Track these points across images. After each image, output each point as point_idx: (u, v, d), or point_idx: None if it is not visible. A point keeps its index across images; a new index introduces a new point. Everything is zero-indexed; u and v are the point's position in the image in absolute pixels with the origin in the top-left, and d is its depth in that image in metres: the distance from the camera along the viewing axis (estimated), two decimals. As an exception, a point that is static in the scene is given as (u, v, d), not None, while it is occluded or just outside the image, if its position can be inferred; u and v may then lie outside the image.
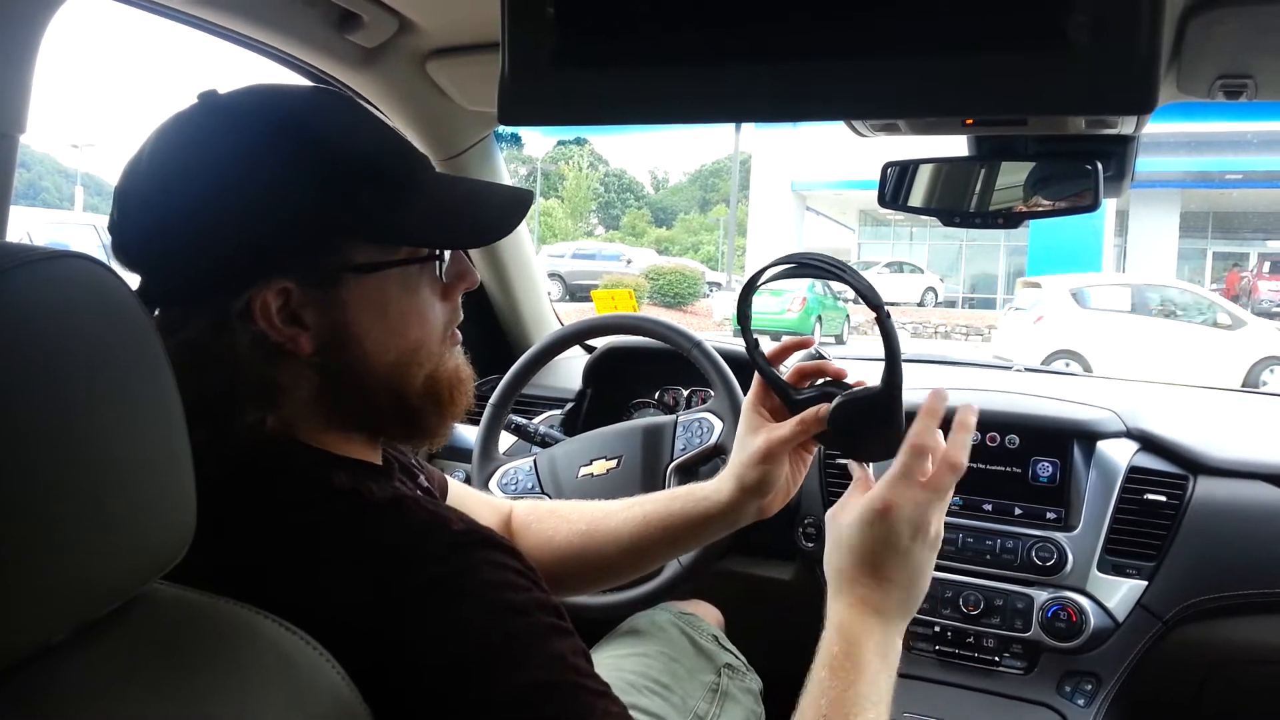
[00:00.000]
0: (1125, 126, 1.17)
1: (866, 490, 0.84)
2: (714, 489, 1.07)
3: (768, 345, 1.01)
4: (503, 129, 1.78)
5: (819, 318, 16.81)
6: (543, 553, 1.14)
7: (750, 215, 26.24)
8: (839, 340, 17.12)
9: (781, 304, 16.41)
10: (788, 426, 0.98)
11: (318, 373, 0.74)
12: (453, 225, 0.79)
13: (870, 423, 0.87)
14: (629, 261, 22.12)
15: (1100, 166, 1.22)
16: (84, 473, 0.50)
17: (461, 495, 1.14)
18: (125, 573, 0.54)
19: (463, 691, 0.63)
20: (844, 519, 0.84)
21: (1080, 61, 0.46)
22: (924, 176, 1.35)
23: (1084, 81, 0.46)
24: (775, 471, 1.02)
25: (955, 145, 1.34)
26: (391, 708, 0.63)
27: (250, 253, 0.70)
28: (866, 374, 1.81)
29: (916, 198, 1.35)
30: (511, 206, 0.84)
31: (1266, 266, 21.23)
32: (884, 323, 0.86)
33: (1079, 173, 1.24)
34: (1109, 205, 19.87)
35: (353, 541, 0.68)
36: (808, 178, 23.85)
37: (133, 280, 0.73)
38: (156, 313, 0.73)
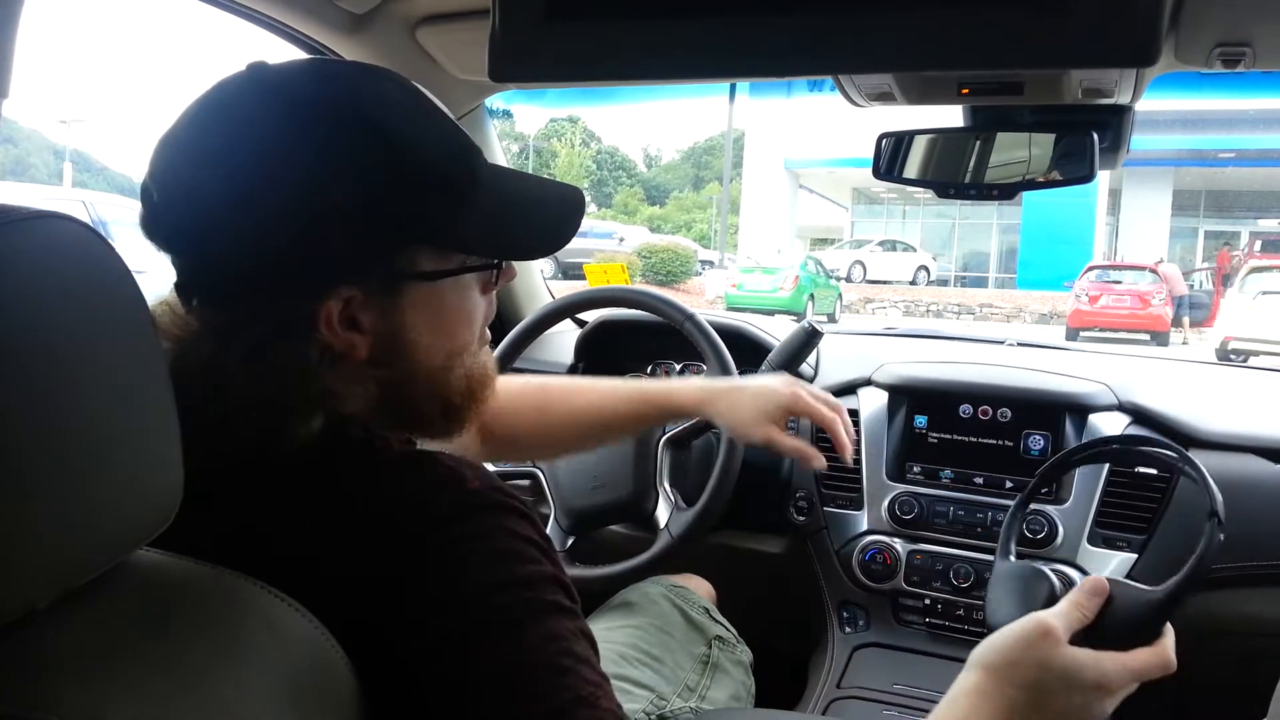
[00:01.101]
0: (1122, 96, 1.16)
1: (1085, 614, 0.78)
2: (679, 403, 1.23)
3: None
4: (492, 104, 1.76)
5: (811, 296, 16.83)
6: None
7: (743, 193, 26.16)
8: (831, 319, 17.15)
9: (774, 282, 16.43)
10: (789, 444, 1.19)
11: (371, 380, 0.72)
12: (515, 235, 0.77)
13: (1130, 625, 0.78)
14: (621, 239, 22.06)
15: (1096, 137, 1.21)
16: (67, 437, 0.50)
17: None
18: (110, 539, 0.54)
19: (453, 657, 0.63)
20: (1063, 652, 0.75)
21: (1082, 14, 0.45)
22: (919, 148, 1.34)
23: (1085, 34, 0.45)
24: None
25: (951, 117, 1.33)
26: (382, 672, 0.63)
27: (320, 256, 0.67)
28: (854, 352, 1.81)
29: (911, 169, 1.34)
30: (569, 209, 0.80)
31: (1258, 245, 21.29)
32: (1211, 533, 0.80)
33: (1075, 143, 1.23)
34: (1101, 184, 19.90)
35: (366, 494, 0.67)
36: (801, 155, 23.78)
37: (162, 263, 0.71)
38: (217, 311, 0.69)
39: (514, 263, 0.82)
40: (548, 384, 1.29)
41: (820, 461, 1.20)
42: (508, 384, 1.21)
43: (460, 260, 0.74)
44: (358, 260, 0.69)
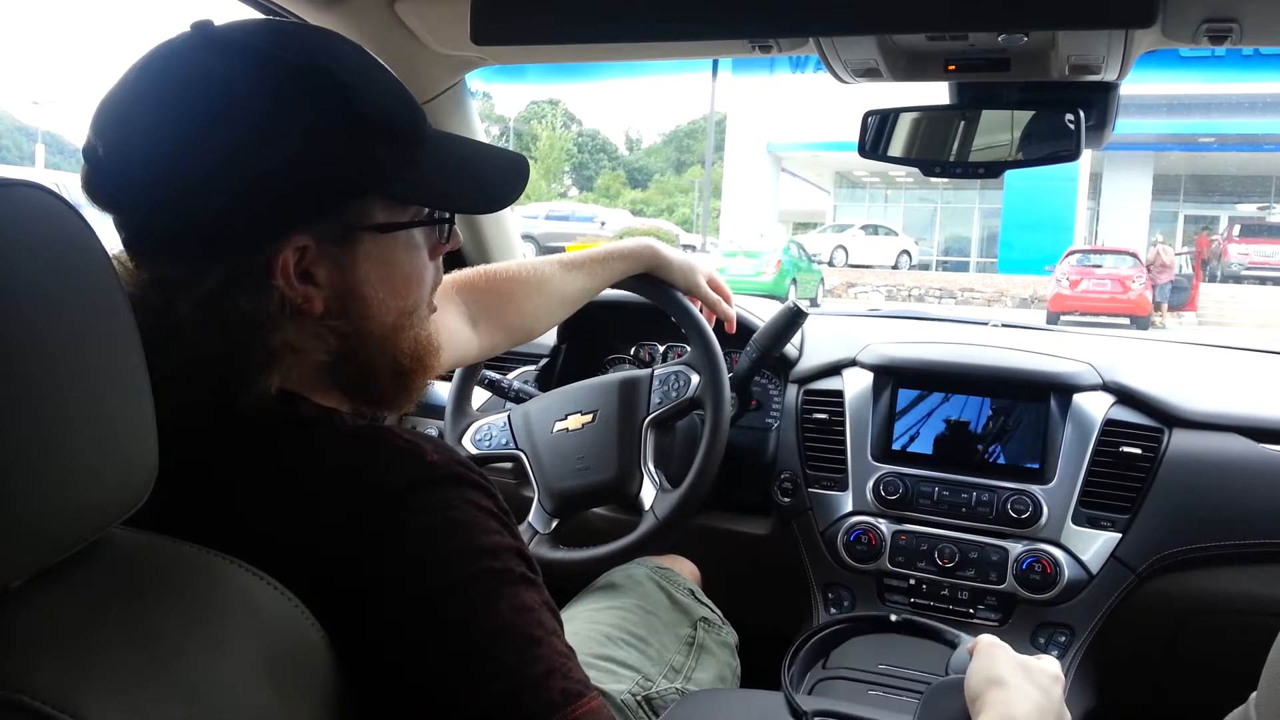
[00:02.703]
0: (1108, 73, 1.15)
1: None
2: (625, 251, 1.44)
3: None
4: (471, 86, 1.74)
5: (794, 280, 16.85)
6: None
7: (725, 177, 26.13)
8: (813, 303, 17.18)
9: (756, 266, 16.43)
10: (712, 295, 1.49)
11: (327, 335, 0.72)
12: (467, 188, 0.79)
13: None
14: (603, 223, 22.01)
15: (1082, 115, 1.21)
16: (37, 412, 0.48)
17: None
18: (84, 516, 0.53)
19: (423, 628, 0.62)
20: (1017, 654, 0.86)
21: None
22: (904, 126, 1.34)
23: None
24: None
25: (937, 96, 1.32)
26: (358, 647, 0.62)
27: (274, 204, 0.67)
28: (838, 333, 1.81)
29: (897, 147, 1.34)
30: (513, 171, 0.83)
31: (1236, 230, 21.44)
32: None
33: (1061, 121, 1.23)
34: (1082, 168, 19.99)
35: (324, 470, 0.67)
36: (783, 139, 23.77)
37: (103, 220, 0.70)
38: (170, 263, 0.69)
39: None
40: (511, 277, 1.34)
41: (730, 313, 1.51)
42: (469, 277, 1.31)
43: (412, 213, 0.75)
44: (311, 208, 0.69)
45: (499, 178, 0.82)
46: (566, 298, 1.39)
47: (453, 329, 1.22)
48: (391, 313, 0.75)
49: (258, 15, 1.35)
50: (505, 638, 0.63)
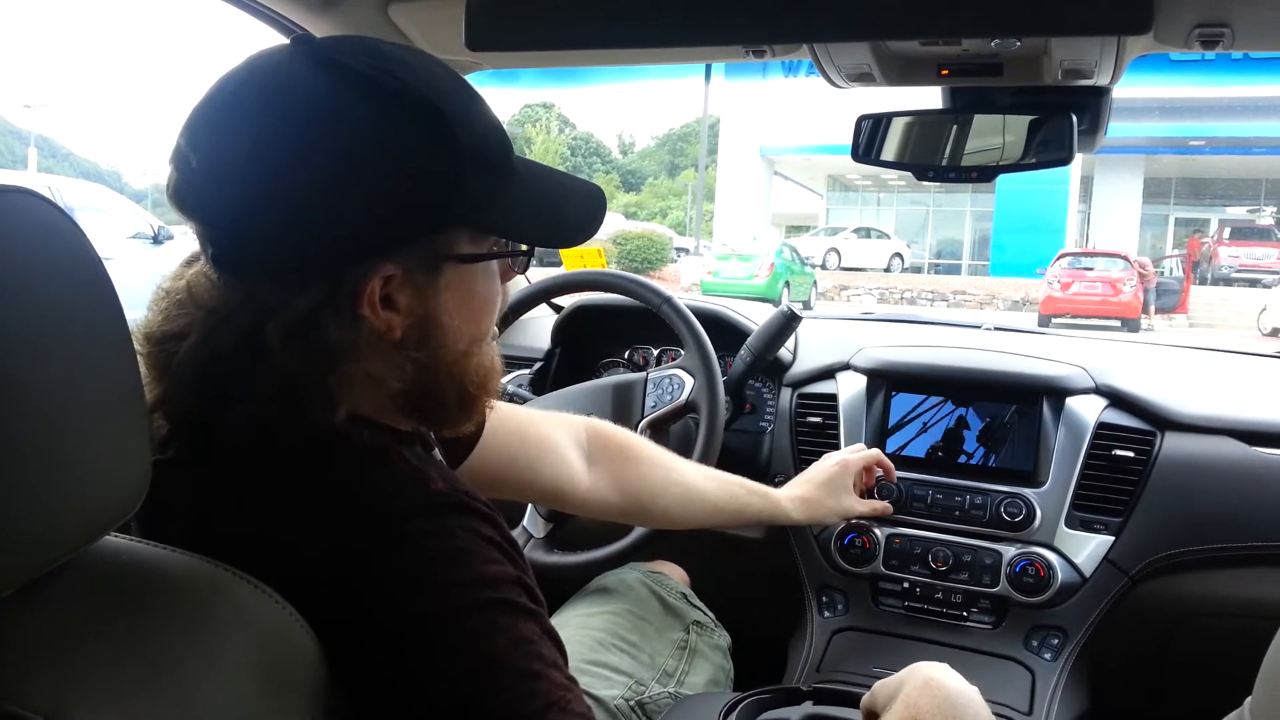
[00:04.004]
0: (1101, 77, 1.16)
1: None
2: (781, 510, 1.36)
3: None
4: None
5: (787, 283, 16.87)
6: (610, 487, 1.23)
7: (719, 180, 26.15)
8: (806, 305, 17.19)
9: (749, 269, 16.45)
10: (865, 507, 1.45)
11: (406, 364, 0.71)
12: (549, 222, 0.77)
13: None
14: (597, 226, 21.96)
15: (1074, 119, 1.21)
16: (29, 421, 0.48)
17: (512, 417, 1.12)
18: (75, 526, 0.52)
19: (417, 655, 0.62)
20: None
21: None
22: (897, 130, 1.34)
23: (1077, 2, 0.44)
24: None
25: (929, 101, 1.32)
26: (353, 668, 0.62)
27: (365, 231, 0.66)
28: (832, 336, 1.81)
29: (890, 151, 1.34)
30: (593, 201, 0.81)
31: (1227, 232, 21.52)
32: None
33: (1054, 125, 1.23)
34: (1074, 171, 20.04)
35: (329, 486, 0.66)
36: (776, 142, 23.79)
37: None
38: (258, 283, 0.67)
39: None
40: (640, 443, 1.30)
41: (889, 510, 1.49)
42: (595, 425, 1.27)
43: (492, 243, 0.74)
44: (401, 236, 0.68)
45: (581, 207, 0.80)
46: (690, 487, 1.30)
47: (568, 456, 1.19)
48: (464, 340, 0.74)
49: (251, 18, 1.35)
50: (502, 670, 0.62)
